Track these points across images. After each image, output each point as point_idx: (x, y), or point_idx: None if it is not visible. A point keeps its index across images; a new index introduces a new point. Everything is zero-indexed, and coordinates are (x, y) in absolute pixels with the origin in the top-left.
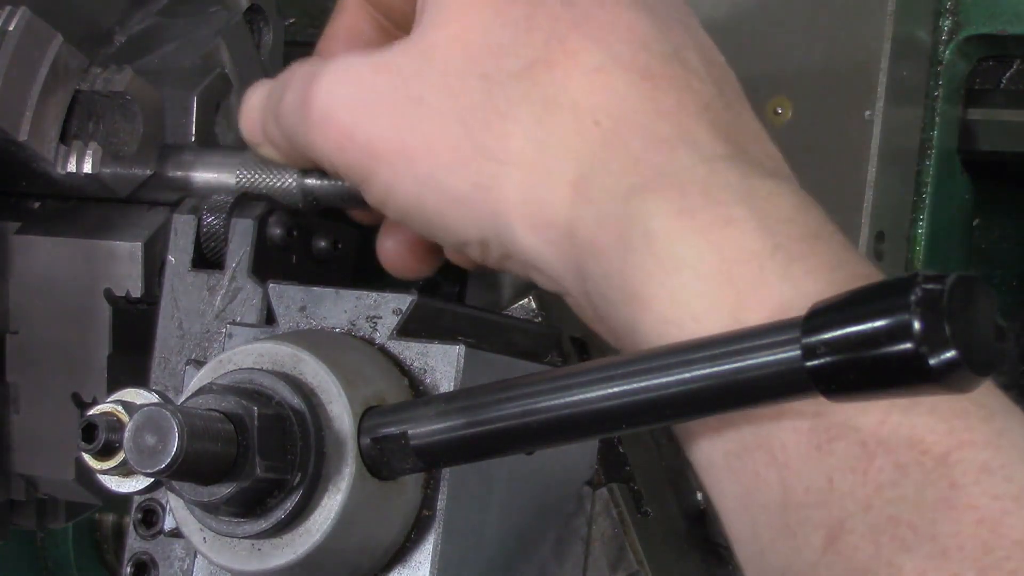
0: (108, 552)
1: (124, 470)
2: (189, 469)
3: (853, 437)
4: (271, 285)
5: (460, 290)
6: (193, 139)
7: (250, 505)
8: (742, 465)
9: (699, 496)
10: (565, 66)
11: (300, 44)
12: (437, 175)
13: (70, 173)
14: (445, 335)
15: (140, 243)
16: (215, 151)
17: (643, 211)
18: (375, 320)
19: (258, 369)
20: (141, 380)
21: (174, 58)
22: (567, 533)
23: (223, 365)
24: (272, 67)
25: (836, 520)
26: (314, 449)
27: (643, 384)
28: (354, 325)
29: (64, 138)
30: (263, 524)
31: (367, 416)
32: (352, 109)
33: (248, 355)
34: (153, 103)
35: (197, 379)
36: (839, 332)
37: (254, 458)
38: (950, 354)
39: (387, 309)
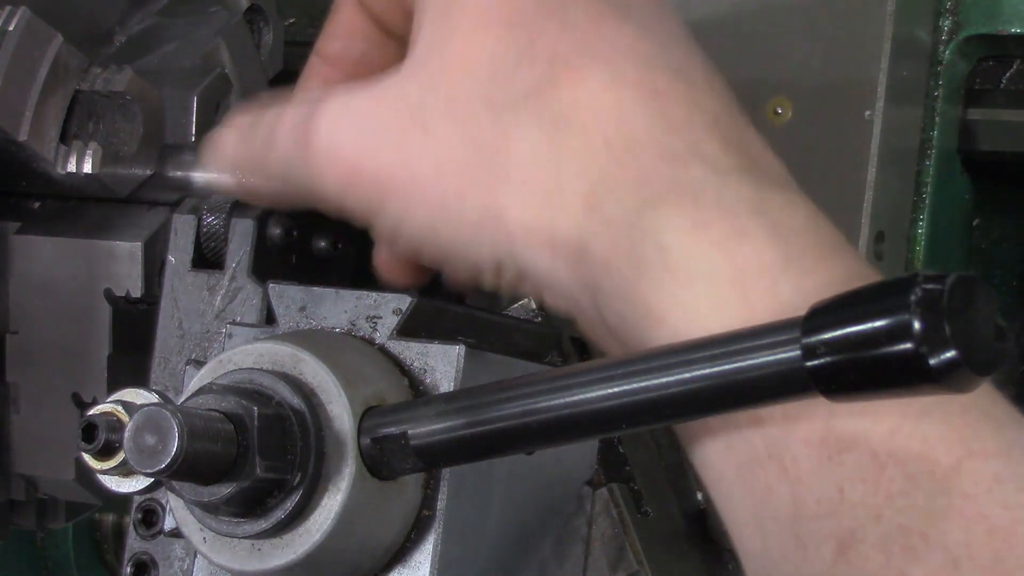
0: (108, 552)
1: (124, 470)
2: (189, 469)
3: (864, 448)
4: (271, 285)
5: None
6: (193, 139)
7: (250, 505)
8: (754, 478)
9: (699, 496)
10: (571, 86)
11: (300, 44)
12: (449, 202)
13: (70, 173)
14: (445, 335)
15: (140, 243)
16: None
17: (656, 225)
18: (375, 320)
19: (258, 369)
20: (141, 380)
21: (174, 58)
22: (567, 533)
23: (223, 365)
24: (272, 67)
25: (847, 531)
26: (314, 449)
27: (643, 384)
28: (354, 325)
29: (64, 138)
30: (263, 524)
31: (367, 416)
32: (357, 143)
33: (248, 355)
34: (153, 103)
35: (197, 379)
36: (839, 332)
37: (254, 458)
38: (950, 354)
39: (387, 309)
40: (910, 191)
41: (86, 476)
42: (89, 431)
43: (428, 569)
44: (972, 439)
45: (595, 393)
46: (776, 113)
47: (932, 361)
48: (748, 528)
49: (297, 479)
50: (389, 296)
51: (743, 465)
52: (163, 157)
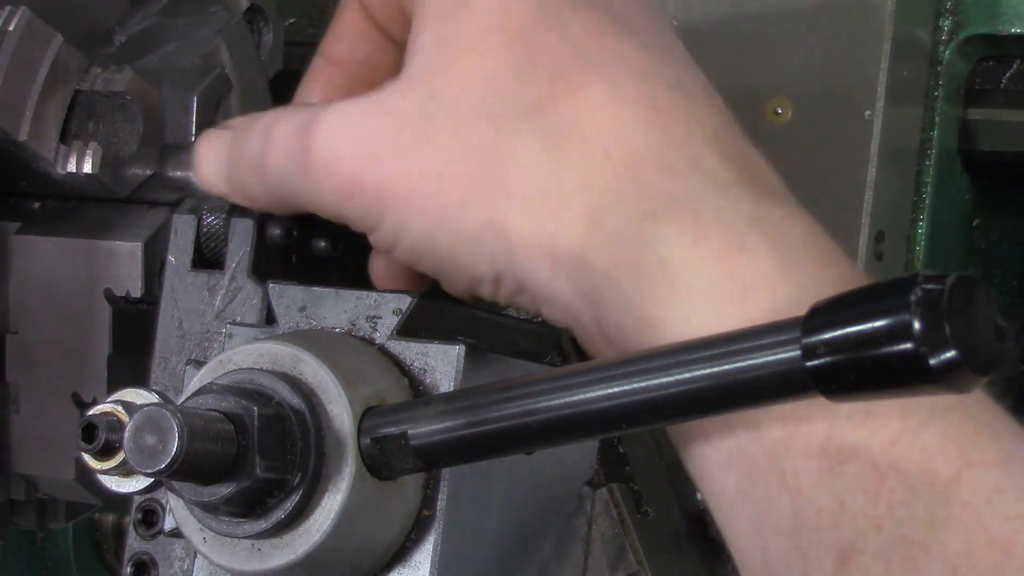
0: (108, 552)
1: (124, 470)
2: (189, 469)
3: (864, 459)
4: (271, 285)
5: None
6: (193, 139)
7: (250, 505)
8: (754, 490)
9: (699, 496)
10: (571, 101)
11: (300, 44)
12: (449, 214)
13: (70, 173)
14: (445, 335)
15: (140, 243)
16: None
17: (657, 238)
18: (375, 320)
19: (258, 369)
20: (141, 380)
21: (174, 58)
22: (567, 533)
23: (223, 365)
24: (272, 67)
25: (847, 541)
26: (314, 449)
27: (643, 384)
28: (354, 325)
29: (64, 138)
30: (263, 524)
31: (367, 416)
32: (357, 155)
33: (248, 355)
34: (153, 103)
35: (197, 379)
36: (839, 332)
37: (254, 458)
38: (950, 354)
39: (387, 309)
40: (910, 191)
41: (86, 476)
42: (89, 431)
43: (428, 569)
44: (972, 450)
45: (595, 393)
46: (776, 113)
47: (932, 361)
48: (748, 540)
49: (297, 479)
50: (389, 296)
51: (743, 477)
52: (163, 157)
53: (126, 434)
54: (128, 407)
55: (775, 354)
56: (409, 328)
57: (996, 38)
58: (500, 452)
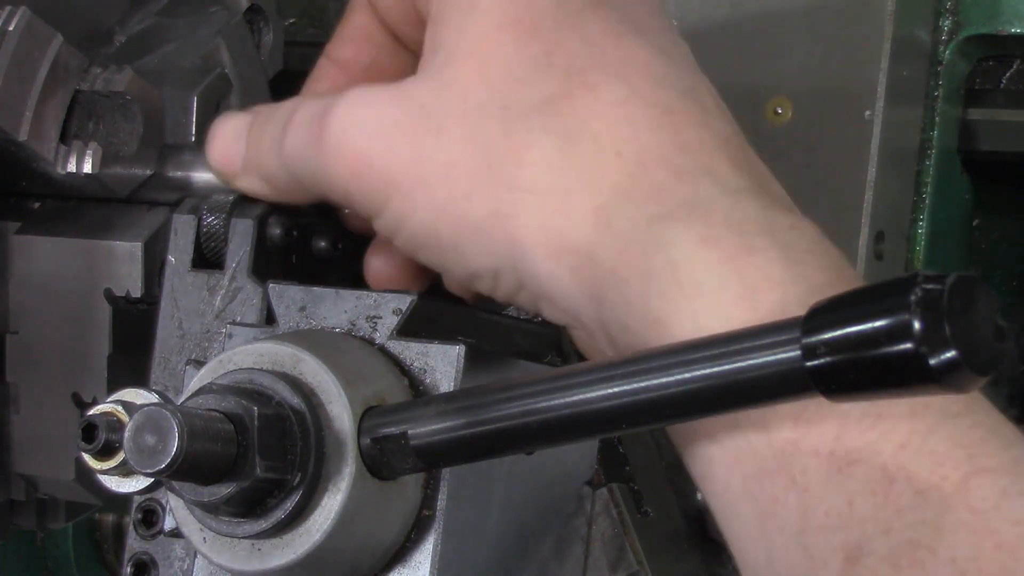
0: (108, 552)
1: (124, 470)
2: (189, 469)
3: (873, 461)
4: (271, 285)
5: None
6: (193, 139)
7: (250, 505)
8: (760, 489)
9: (699, 496)
10: (585, 99)
11: (300, 44)
12: (455, 203)
13: (70, 173)
14: (445, 335)
15: (140, 243)
16: None
17: (666, 239)
18: (375, 320)
19: (258, 369)
20: (141, 380)
21: (174, 58)
22: (567, 533)
23: (223, 365)
24: (272, 67)
25: (855, 543)
26: (314, 449)
27: (643, 384)
28: (354, 325)
29: (64, 138)
30: (263, 524)
31: (367, 416)
32: (370, 137)
33: (248, 355)
34: (153, 103)
35: (197, 379)
36: (839, 332)
37: (254, 458)
38: (950, 354)
39: (387, 309)
40: (910, 191)
41: (86, 476)
42: (89, 431)
43: (428, 569)
44: (980, 455)
45: (595, 393)
46: (776, 113)
47: (932, 361)
48: (751, 540)
49: (297, 479)
50: (389, 296)
51: (749, 476)
52: (163, 157)
53: (126, 434)
54: (128, 407)
55: (775, 354)
56: (409, 328)
57: (996, 38)
58: (500, 452)
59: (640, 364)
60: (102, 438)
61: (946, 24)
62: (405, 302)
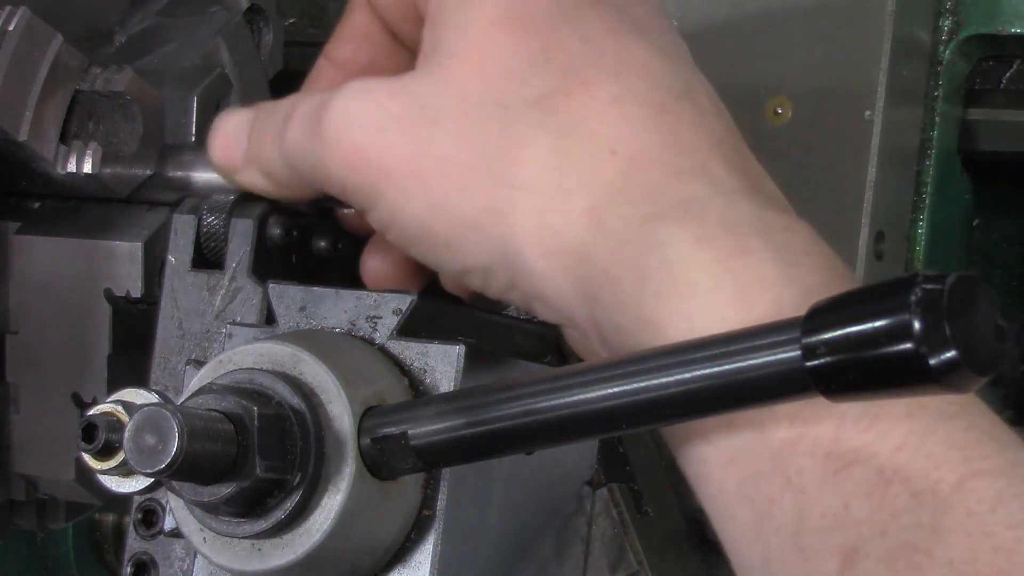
0: (108, 552)
1: (124, 470)
2: (189, 469)
3: (870, 463)
4: (271, 285)
5: None
6: (193, 139)
7: (250, 505)
8: (756, 490)
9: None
10: (582, 97)
11: (300, 44)
12: (449, 198)
13: (70, 173)
14: (445, 335)
15: (140, 243)
16: None
17: (660, 239)
18: (375, 320)
19: (258, 369)
20: (141, 380)
21: (174, 58)
22: (567, 533)
23: (223, 365)
24: (272, 67)
25: (851, 545)
26: (314, 449)
27: (643, 384)
28: (354, 325)
29: (64, 138)
30: (263, 524)
31: (367, 416)
32: (366, 129)
33: (248, 355)
34: (153, 103)
35: (197, 379)
36: (839, 332)
37: (254, 458)
38: (950, 354)
39: (387, 309)
40: (910, 191)
41: (86, 476)
42: (89, 431)
43: (428, 569)
44: (976, 458)
45: (595, 393)
46: (776, 113)
47: (932, 361)
48: (747, 541)
49: (297, 479)
50: (389, 296)
51: (745, 478)
52: (163, 157)
53: (126, 434)
54: (128, 407)
55: (775, 354)
56: (409, 328)
57: (996, 38)
58: (500, 452)
59: (640, 364)
60: (102, 438)
61: (946, 24)
62: (405, 302)
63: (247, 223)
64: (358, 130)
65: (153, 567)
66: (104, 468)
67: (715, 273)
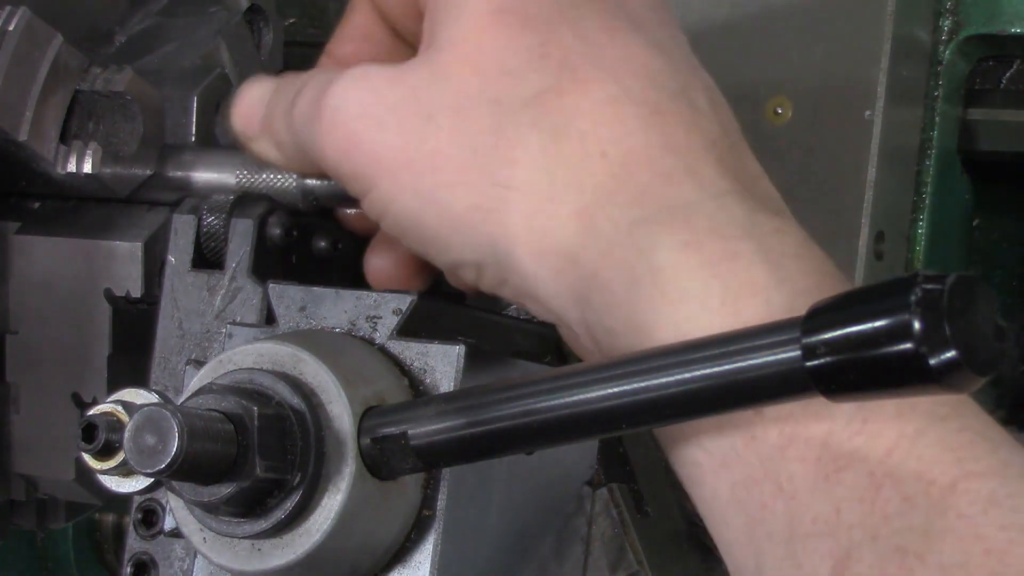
0: (108, 552)
1: (124, 470)
2: (189, 469)
3: (861, 467)
4: (271, 285)
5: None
6: (193, 139)
7: (250, 505)
8: (748, 496)
9: None
10: (575, 96)
11: (300, 44)
12: (439, 192)
13: (70, 173)
14: (445, 335)
15: (140, 243)
16: (215, 151)
17: (649, 243)
18: (375, 320)
19: (258, 369)
20: (141, 380)
21: (174, 58)
22: (567, 533)
23: (223, 365)
24: (272, 67)
25: (843, 550)
26: (314, 449)
27: (643, 384)
28: (354, 325)
29: (64, 138)
30: (263, 524)
31: (367, 416)
32: (361, 117)
33: (248, 355)
34: (153, 103)
35: (197, 379)
36: (839, 332)
37: (254, 458)
38: (950, 354)
39: (387, 309)
40: (910, 191)
41: (86, 476)
42: (89, 431)
43: (428, 569)
44: (968, 459)
45: (595, 393)
46: (776, 113)
47: (932, 361)
48: (741, 546)
49: (297, 479)
50: (389, 296)
51: (737, 483)
52: (163, 157)
53: (126, 434)
54: (128, 407)
55: (775, 354)
56: (409, 328)
57: (996, 38)
58: (500, 452)
59: (640, 364)
60: (102, 438)
61: (946, 24)
62: (405, 302)
63: (247, 223)
64: (353, 117)
65: (153, 567)
66: (104, 468)
67: (703, 279)
